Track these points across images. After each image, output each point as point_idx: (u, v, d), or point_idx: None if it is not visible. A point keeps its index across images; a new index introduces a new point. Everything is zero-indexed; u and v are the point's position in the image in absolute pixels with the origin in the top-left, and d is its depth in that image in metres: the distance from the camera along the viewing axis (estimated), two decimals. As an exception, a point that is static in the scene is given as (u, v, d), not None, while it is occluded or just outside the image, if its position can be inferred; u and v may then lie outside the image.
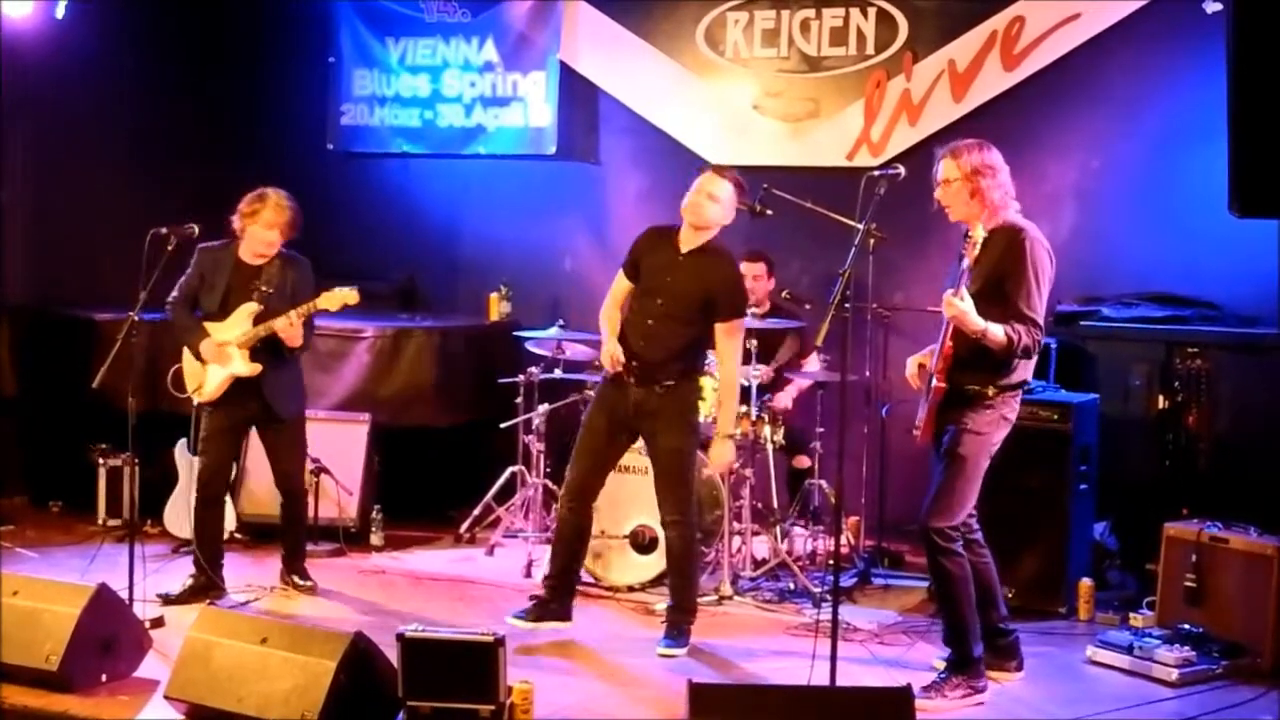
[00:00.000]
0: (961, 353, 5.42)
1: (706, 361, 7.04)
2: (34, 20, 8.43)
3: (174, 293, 6.64)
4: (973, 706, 5.53)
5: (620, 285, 6.41)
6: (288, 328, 6.46)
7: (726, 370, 6.24)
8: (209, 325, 6.57)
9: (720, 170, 6.39)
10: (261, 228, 6.54)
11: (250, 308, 6.53)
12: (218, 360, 6.53)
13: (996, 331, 5.29)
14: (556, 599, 6.37)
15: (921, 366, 5.71)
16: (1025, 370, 5.58)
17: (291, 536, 7.01)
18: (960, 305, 5.23)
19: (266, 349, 6.55)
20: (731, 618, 6.77)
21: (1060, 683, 5.88)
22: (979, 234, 5.29)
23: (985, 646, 5.72)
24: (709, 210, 6.21)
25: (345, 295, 6.52)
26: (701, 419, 7.02)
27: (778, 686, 5.40)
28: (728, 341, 6.21)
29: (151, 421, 6.51)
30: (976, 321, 5.26)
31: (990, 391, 5.48)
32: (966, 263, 5.29)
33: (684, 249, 6.25)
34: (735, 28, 8.92)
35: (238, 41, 9.83)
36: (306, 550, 7.13)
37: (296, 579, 6.92)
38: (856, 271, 5.38)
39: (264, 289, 6.56)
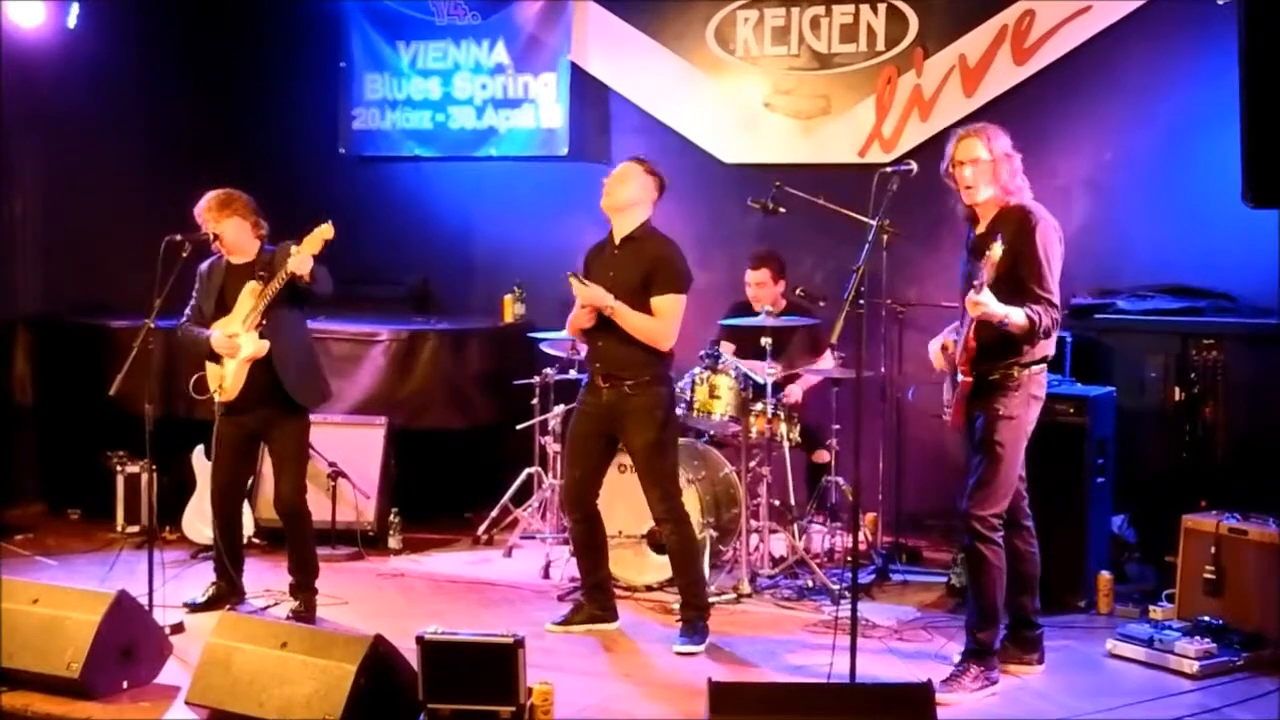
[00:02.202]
0: (985, 343, 5.44)
1: (722, 361, 7.08)
2: (44, 30, 8.47)
3: (182, 319, 6.60)
4: (989, 697, 5.53)
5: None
6: (301, 264, 6.23)
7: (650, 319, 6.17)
8: (216, 323, 6.52)
9: (629, 160, 6.49)
10: (217, 226, 6.45)
11: (252, 286, 6.44)
12: (229, 352, 6.44)
13: (1018, 316, 5.32)
14: (592, 601, 6.50)
15: (944, 348, 5.72)
16: (1047, 346, 5.61)
17: (296, 560, 6.65)
18: (982, 301, 5.23)
19: (276, 331, 6.41)
20: (750, 615, 6.77)
21: (1081, 676, 5.87)
22: (996, 252, 5.20)
23: (1011, 635, 5.77)
24: (618, 190, 6.28)
25: (322, 231, 6.22)
26: (716, 417, 7.06)
27: (797, 684, 5.40)
28: (661, 317, 6.16)
29: (169, 428, 6.52)
30: (998, 310, 5.27)
31: (1015, 372, 5.52)
32: (986, 275, 5.23)
33: (617, 240, 6.33)
34: (745, 26, 8.92)
35: (248, 48, 9.87)
36: (317, 569, 6.69)
37: (302, 606, 6.60)
38: (870, 267, 5.38)
39: (261, 272, 6.47)
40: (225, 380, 6.51)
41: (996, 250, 5.20)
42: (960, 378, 5.50)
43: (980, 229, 5.64)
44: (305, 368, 6.64)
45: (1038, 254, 5.43)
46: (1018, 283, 5.40)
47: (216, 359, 6.53)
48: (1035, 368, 5.58)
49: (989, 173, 5.54)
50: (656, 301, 6.18)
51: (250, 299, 6.45)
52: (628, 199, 6.29)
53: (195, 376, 6.68)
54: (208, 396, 6.60)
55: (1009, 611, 5.74)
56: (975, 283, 5.25)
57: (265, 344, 6.42)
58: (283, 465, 6.61)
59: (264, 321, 6.42)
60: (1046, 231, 5.49)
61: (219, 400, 6.56)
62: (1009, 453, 5.54)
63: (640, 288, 6.18)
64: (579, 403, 6.48)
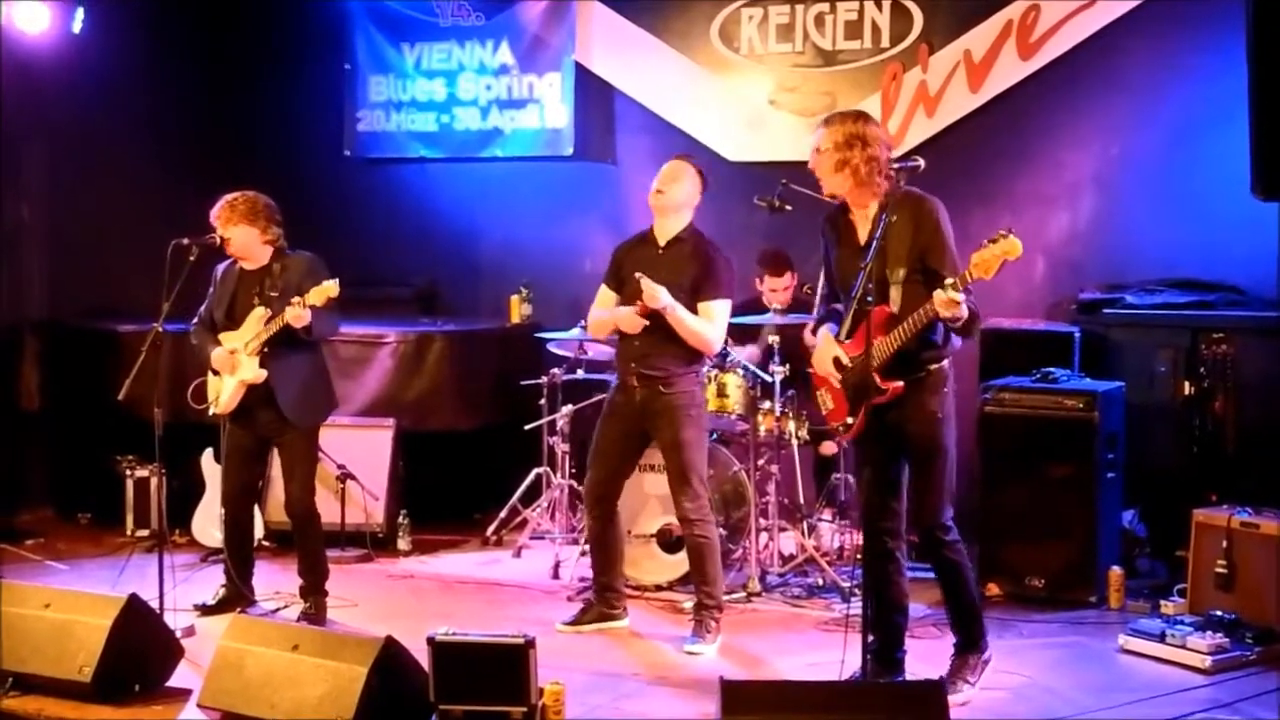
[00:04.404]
0: (911, 347, 5.16)
1: (730, 359, 7.06)
2: (49, 34, 8.47)
3: (195, 319, 6.61)
4: (998, 692, 5.50)
5: (603, 296, 6.45)
6: (298, 318, 6.25)
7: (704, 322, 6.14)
8: (223, 335, 6.52)
9: (677, 157, 6.46)
10: (224, 230, 6.44)
11: (260, 313, 6.42)
12: (229, 369, 6.45)
13: (965, 311, 5.00)
14: (602, 600, 6.50)
15: (837, 359, 5.37)
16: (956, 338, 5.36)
17: (306, 562, 6.67)
18: (960, 299, 4.91)
19: (279, 353, 6.42)
20: (760, 614, 6.76)
21: (1093, 672, 5.86)
22: (1017, 248, 4.78)
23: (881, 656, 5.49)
24: (673, 189, 6.24)
25: (326, 289, 6.25)
26: (725, 416, 7.05)
27: (809, 682, 5.38)
28: (712, 321, 6.18)
29: (177, 431, 6.51)
30: (966, 310, 4.98)
31: (945, 365, 5.29)
32: (978, 273, 4.86)
33: (662, 242, 6.29)
34: (749, 24, 8.91)
35: (253, 51, 9.86)
36: (327, 571, 6.71)
37: (312, 608, 6.62)
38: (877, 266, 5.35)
39: (269, 292, 6.45)
40: (220, 395, 6.52)
41: (1017, 246, 4.80)
42: (884, 385, 5.16)
43: (866, 217, 5.35)
44: (307, 387, 6.58)
45: (945, 239, 5.18)
46: (930, 274, 5.08)
47: (218, 371, 6.54)
48: (947, 362, 5.34)
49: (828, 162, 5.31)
50: (707, 306, 6.16)
51: (256, 323, 6.43)
52: (681, 199, 6.26)
53: (196, 383, 6.67)
54: (204, 407, 6.62)
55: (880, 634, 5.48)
56: (950, 282, 4.89)
57: (263, 373, 6.39)
58: (292, 469, 6.60)
59: (265, 350, 6.41)
60: (944, 213, 5.23)
61: (212, 413, 6.58)
62: (951, 451, 5.33)
63: (689, 291, 6.15)
64: (608, 404, 6.45)
